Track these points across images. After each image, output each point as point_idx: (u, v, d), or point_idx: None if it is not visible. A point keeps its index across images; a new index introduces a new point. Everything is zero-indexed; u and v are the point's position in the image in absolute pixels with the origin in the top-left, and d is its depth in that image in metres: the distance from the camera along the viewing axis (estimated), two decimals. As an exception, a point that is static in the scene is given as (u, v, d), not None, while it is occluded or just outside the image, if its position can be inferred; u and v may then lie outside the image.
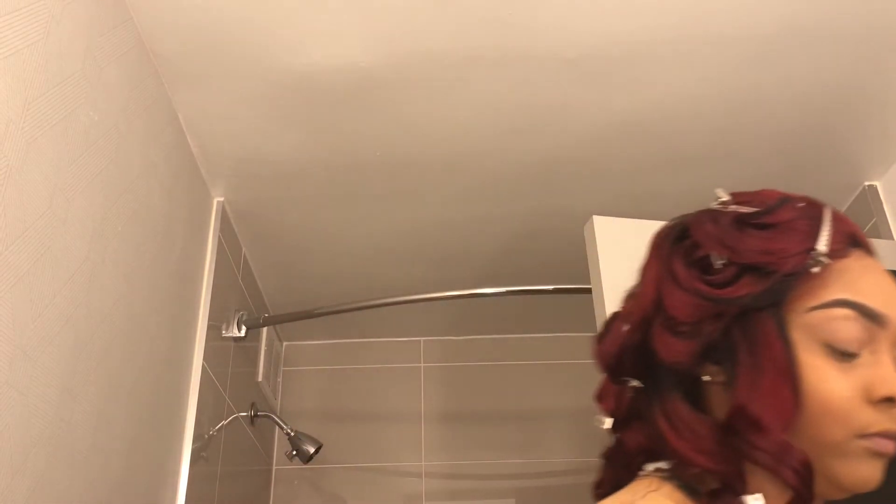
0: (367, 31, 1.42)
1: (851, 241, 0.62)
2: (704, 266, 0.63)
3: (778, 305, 0.60)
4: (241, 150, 1.76)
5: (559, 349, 2.79)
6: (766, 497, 0.58)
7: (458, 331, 2.81)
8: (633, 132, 1.73)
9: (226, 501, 1.95)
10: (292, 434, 2.24)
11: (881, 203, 1.89)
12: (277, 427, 2.42)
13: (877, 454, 0.57)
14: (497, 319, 2.70)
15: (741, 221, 0.63)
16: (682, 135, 1.75)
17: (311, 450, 2.22)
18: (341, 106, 1.61)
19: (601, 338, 0.70)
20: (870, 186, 1.92)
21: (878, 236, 1.84)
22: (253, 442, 2.32)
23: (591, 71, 1.54)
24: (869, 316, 0.58)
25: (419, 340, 2.83)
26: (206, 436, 1.79)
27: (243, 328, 2.05)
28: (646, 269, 0.68)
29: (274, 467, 2.62)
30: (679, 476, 0.62)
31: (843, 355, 0.58)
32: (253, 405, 2.25)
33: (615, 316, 0.70)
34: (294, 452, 2.23)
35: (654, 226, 0.74)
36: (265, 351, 2.39)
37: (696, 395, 0.63)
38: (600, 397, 0.71)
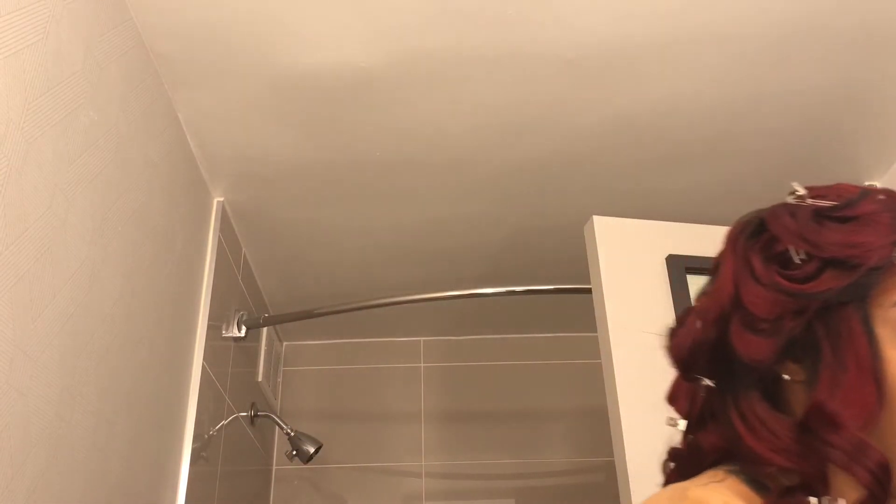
0: (367, 31, 1.42)
1: None
2: (783, 261, 0.61)
3: (863, 300, 0.58)
4: (241, 150, 1.76)
5: (559, 349, 2.80)
6: (847, 499, 0.56)
7: (458, 331, 2.81)
8: (633, 132, 1.73)
9: (226, 501, 1.95)
10: (292, 434, 2.24)
11: (881, 203, 1.89)
12: (277, 427, 2.43)
13: None
14: (497, 319, 2.70)
15: (821, 215, 0.61)
16: (682, 134, 1.75)
17: (311, 450, 2.22)
18: (341, 106, 1.61)
19: (674, 332, 0.68)
20: (870, 186, 1.92)
21: (878, 236, 1.84)
22: (253, 442, 2.32)
23: (591, 71, 1.54)
24: None
25: (419, 340, 2.83)
26: (206, 436, 1.79)
27: (243, 328, 2.05)
28: (721, 265, 0.65)
29: (274, 467, 2.62)
30: (747, 471, 0.61)
31: None
32: (253, 405, 2.25)
33: (688, 311, 0.68)
34: (294, 452, 2.23)
35: (655, 226, 0.74)
36: (265, 351, 2.39)
37: (774, 393, 0.62)
38: (673, 398, 0.70)
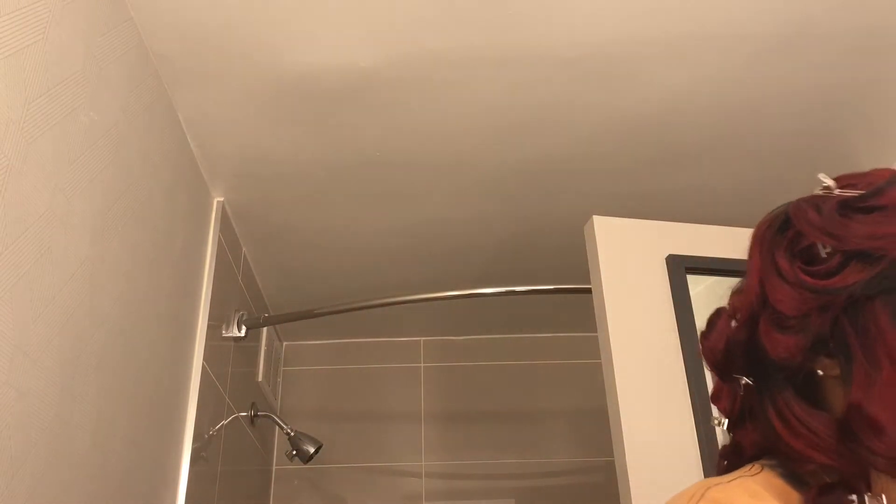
0: (367, 31, 1.42)
1: None
2: (809, 257, 0.60)
3: (891, 292, 0.56)
4: (241, 150, 1.76)
5: (559, 349, 2.80)
6: (889, 498, 0.55)
7: (458, 331, 2.81)
8: (633, 132, 1.73)
9: (226, 501, 1.95)
10: (292, 434, 2.24)
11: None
12: (277, 427, 2.43)
13: None
14: (497, 319, 2.70)
15: (846, 206, 0.59)
16: (681, 134, 1.75)
17: (311, 450, 2.22)
18: (341, 106, 1.61)
19: (706, 334, 0.68)
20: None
21: (878, 236, 1.84)
22: (253, 442, 2.32)
23: (591, 71, 1.54)
24: None
25: (419, 340, 2.83)
26: (206, 436, 1.79)
27: (243, 328, 2.05)
28: (749, 263, 0.64)
29: (274, 467, 2.62)
30: (786, 466, 0.60)
31: None
32: (253, 405, 2.25)
33: (719, 312, 0.68)
34: (294, 452, 2.23)
35: (655, 226, 0.74)
36: (265, 351, 2.39)
37: (811, 389, 0.61)
38: (716, 398, 0.69)
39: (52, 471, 1.06)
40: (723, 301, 0.68)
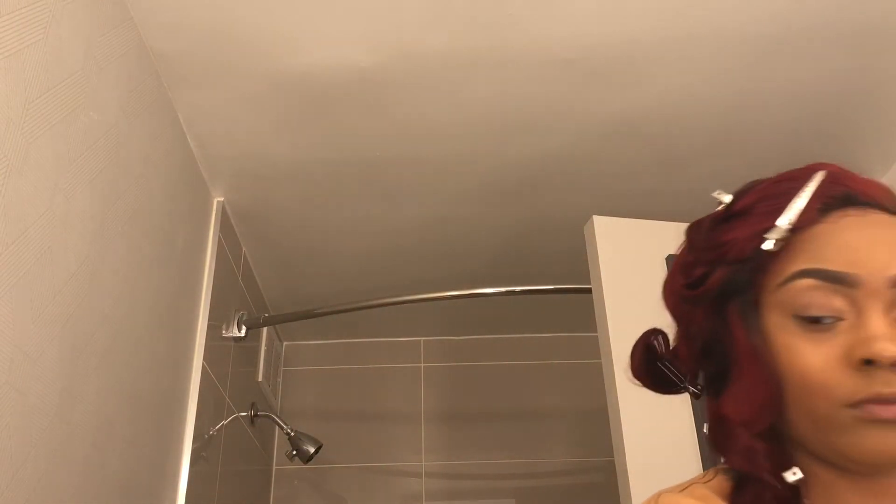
0: (367, 31, 1.42)
1: (839, 202, 0.59)
2: (687, 270, 0.65)
3: (743, 293, 0.60)
4: (241, 150, 1.76)
5: (559, 349, 2.80)
6: (814, 478, 0.58)
7: (458, 331, 2.81)
8: (633, 132, 1.73)
9: (226, 501, 1.95)
10: (292, 434, 2.24)
11: (881, 203, 1.89)
12: (277, 427, 2.43)
13: (873, 422, 0.53)
14: (497, 319, 2.70)
15: (716, 219, 0.64)
16: (681, 134, 1.75)
17: (311, 450, 2.22)
18: (341, 106, 1.61)
19: (630, 359, 0.73)
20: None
21: (878, 236, 1.84)
22: (253, 442, 2.32)
23: (591, 71, 1.53)
24: (833, 279, 0.56)
25: (419, 340, 2.83)
26: (206, 436, 1.79)
27: (243, 328, 2.05)
28: (663, 285, 0.70)
29: (274, 467, 2.62)
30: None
31: (817, 325, 0.56)
32: (253, 405, 2.25)
33: (645, 334, 0.73)
34: (294, 452, 2.23)
35: (654, 226, 0.76)
36: (265, 351, 2.39)
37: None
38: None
39: (52, 471, 1.06)
40: None
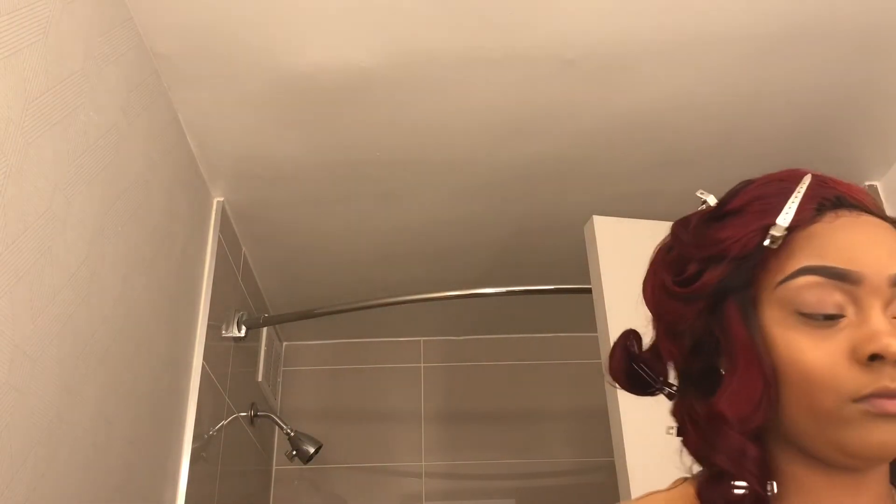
0: (367, 31, 1.42)
1: (832, 203, 0.61)
2: (680, 269, 0.65)
3: (742, 290, 0.60)
4: (241, 150, 1.76)
5: (559, 349, 2.80)
6: (794, 483, 0.58)
7: (458, 331, 2.81)
8: (633, 132, 1.73)
9: (226, 501, 1.95)
10: (292, 434, 2.24)
11: (882, 202, 1.89)
12: (277, 427, 2.43)
13: (879, 416, 0.54)
14: (497, 319, 2.70)
15: (707, 217, 0.65)
16: (681, 135, 1.75)
17: (311, 450, 2.22)
18: (341, 106, 1.61)
19: (609, 359, 0.74)
20: (870, 186, 1.92)
21: (878, 236, 1.84)
22: (253, 442, 2.32)
23: (591, 71, 1.54)
24: (836, 276, 0.57)
25: (419, 340, 2.83)
26: (206, 436, 1.79)
27: (243, 328, 2.05)
28: (644, 284, 0.70)
29: (274, 467, 2.62)
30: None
31: (820, 321, 0.57)
32: (253, 405, 2.25)
33: (624, 334, 0.74)
34: (294, 452, 2.23)
35: (654, 226, 0.76)
36: (265, 351, 2.39)
37: (716, 388, 0.63)
38: (672, 410, 0.72)
39: (52, 471, 1.06)
40: None
